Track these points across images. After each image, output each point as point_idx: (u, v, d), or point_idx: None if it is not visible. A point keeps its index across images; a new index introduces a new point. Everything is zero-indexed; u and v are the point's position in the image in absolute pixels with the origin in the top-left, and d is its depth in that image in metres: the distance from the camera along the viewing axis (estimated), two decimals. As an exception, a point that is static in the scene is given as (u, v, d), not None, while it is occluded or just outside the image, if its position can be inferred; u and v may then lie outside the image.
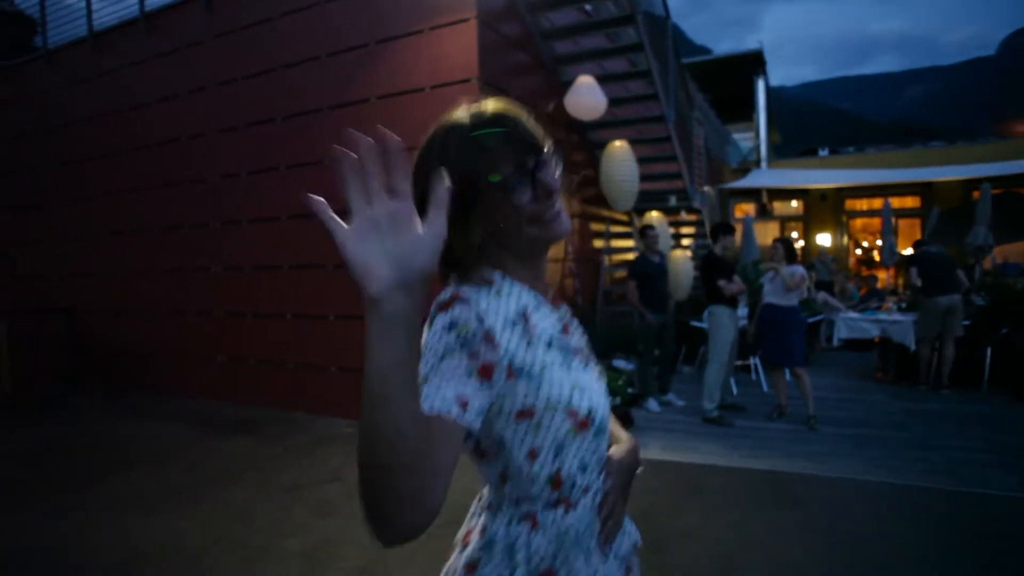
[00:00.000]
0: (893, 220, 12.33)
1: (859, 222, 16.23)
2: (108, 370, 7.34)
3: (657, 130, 6.63)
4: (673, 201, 6.97)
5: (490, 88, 4.87)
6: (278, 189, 5.83)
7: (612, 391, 4.69)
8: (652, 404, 5.56)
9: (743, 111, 18.00)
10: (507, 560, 0.80)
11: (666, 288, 5.74)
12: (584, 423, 0.81)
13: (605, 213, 7.17)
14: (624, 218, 7.58)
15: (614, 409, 0.98)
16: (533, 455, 0.80)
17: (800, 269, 5.05)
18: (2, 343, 6.59)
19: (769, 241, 6.46)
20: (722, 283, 5.07)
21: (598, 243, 7.15)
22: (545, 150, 0.84)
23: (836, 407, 5.56)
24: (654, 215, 7.64)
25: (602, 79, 5.86)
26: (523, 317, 0.81)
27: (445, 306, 0.77)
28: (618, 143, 6.38)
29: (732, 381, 6.14)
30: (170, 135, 6.64)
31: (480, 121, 0.83)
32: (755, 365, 6.76)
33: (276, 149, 5.84)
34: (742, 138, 19.30)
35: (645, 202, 7.33)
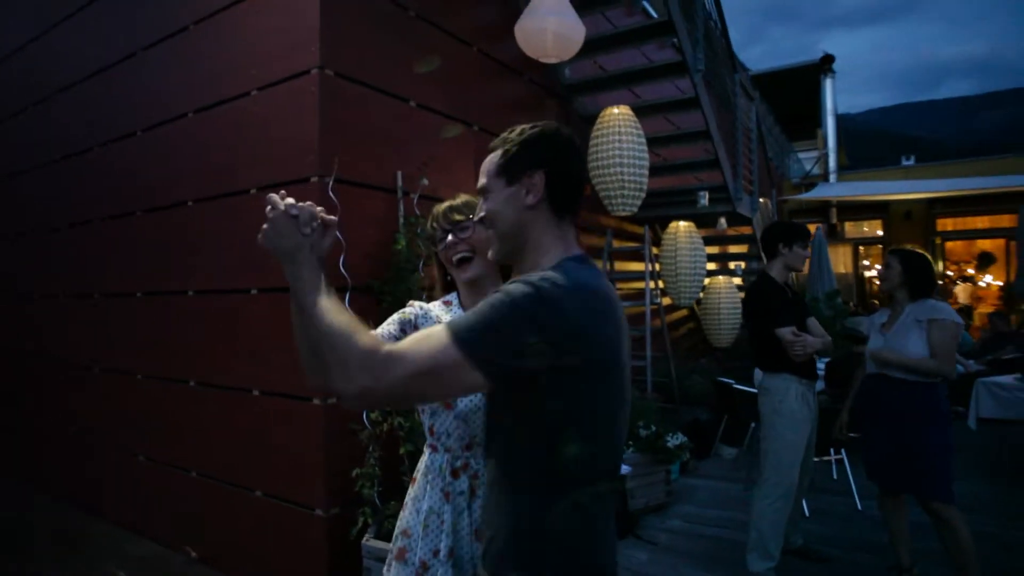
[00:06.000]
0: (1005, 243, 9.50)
1: (956, 245, 13.20)
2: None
3: (685, 87, 4.36)
4: (704, 201, 4.62)
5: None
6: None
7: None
8: None
9: (807, 128, 15.59)
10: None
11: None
12: (448, 405, 1.32)
13: (605, 222, 4.92)
14: (637, 230, 5.29)
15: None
16: (422, 412, 1.39)
17: (945, 310, 2.63)
18: None
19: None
20: (784, 333, 2.69)
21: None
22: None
23: (1014, 564, 3.01)
24: (681, 226, 5.32)
25: (582, 3, 3.70)
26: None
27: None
28: (616, 109, 4.16)
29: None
30: None
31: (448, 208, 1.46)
32: (840, 460, 4.23)
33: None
34: (806, 157, 16.70)
35: (662, 206, 5.02)
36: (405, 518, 1.38)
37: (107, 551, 3.27)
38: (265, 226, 1.00)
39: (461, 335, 0.87)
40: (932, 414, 2.60)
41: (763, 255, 2.96)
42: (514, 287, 0.92)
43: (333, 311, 0.92)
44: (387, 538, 2.46)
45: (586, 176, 1.00)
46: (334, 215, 2.55)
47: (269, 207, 1.01)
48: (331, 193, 2.60)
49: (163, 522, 3.34)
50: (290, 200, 1.01)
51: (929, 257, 2.78)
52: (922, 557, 2.86)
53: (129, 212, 3.56)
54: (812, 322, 2.87)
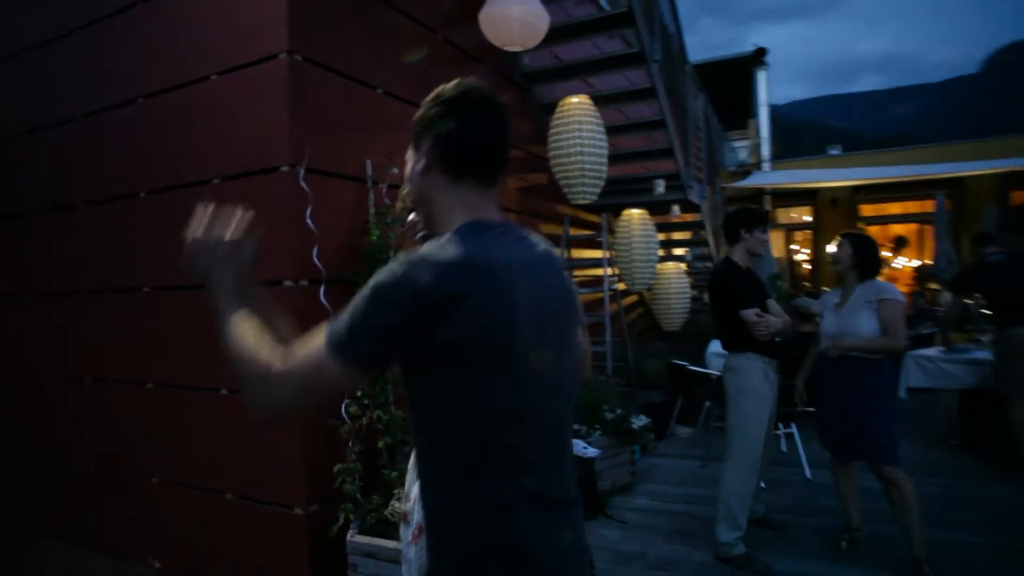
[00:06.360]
0: (918, 227, 10.22)
1: (874, 229, 14.16)
2: None
3: (634, 79, 4.47)
4: (661, 188, 4.77)
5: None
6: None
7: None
8: None
9: (739, 119, 16.29)
10: None
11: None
12: None
13: (561, 210, 4.99)
14: (592, 218, 5.39)
15: None
16: None
17: (891, 290, 2.84)
18: None
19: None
20: (749, 314, 2.84)
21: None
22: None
23: (947, 518, 3.29)
24: (634, 213, 5.46)
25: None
26: None
27: None
28: (575, 99, 4.21)
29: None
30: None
31: None
32: (791, 434, 4.49)
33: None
34: (740, 146, 17.50)
35: (618, 194, 5.14)
36: (408, 482, 1.42)
37: (58, 571, 3.08)
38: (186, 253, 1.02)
39: (333, 338, 0.86)
40: (880, 386, 2.81)
41: (726, 240, 3.09)
42: (382, 271, 0.89)
43: (242, 328, 0.94)
44: (371, 533, 2.44)
45: (494, 134, 0.98)
46: (305, 205, 2.52)
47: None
48: (303, 183, 2.52)
49: (121, 535, 3.17)
50: (198, 224, 1.02)
51: (876, 242, 3.00)
52: (870, 519, 3.11)
53: (70, 204, 3.32)
54: (772, 304, 3.03)
